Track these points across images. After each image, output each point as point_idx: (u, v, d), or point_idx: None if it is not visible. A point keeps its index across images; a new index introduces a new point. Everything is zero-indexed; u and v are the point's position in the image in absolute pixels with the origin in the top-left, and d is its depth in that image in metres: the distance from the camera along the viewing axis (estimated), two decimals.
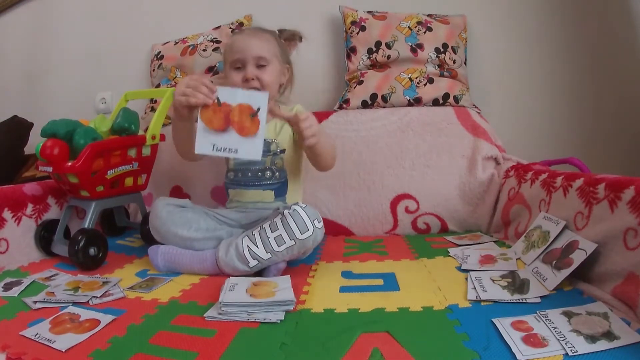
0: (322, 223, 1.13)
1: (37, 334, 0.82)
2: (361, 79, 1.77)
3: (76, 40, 2.27)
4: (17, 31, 2.42)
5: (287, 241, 1.09)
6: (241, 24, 1.89)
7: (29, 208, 1.37)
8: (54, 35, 2.32)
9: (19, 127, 2.13)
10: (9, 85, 2.45)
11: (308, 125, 1.20)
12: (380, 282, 1.06)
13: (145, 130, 1.47)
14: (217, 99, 1.11)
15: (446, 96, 1.71)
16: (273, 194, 1.40)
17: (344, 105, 1.76)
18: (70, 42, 2.28)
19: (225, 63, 1.43)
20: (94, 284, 1.09)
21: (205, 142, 1.11)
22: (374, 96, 1.73)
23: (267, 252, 1.10)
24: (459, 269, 1.11)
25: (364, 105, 1.75)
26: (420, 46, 1.75)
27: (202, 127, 1.11)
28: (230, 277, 1.05)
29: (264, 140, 1.23)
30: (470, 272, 1.06)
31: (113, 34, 2.20)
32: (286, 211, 1.11)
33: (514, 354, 0.68)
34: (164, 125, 1.52)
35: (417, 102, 1.71)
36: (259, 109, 1.11)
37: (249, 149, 1.12)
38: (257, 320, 0.85)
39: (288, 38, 1.48)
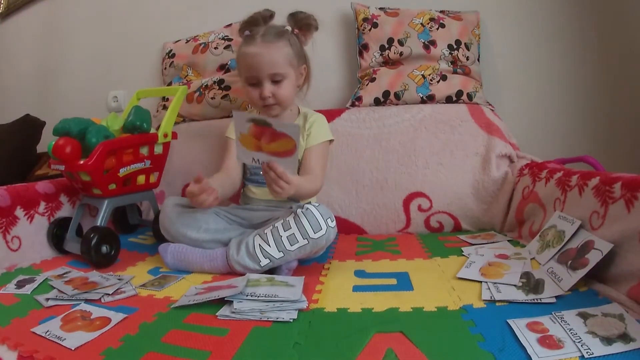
0: (335, 222, 1.12)
1: (47, 331, 0.82)
2: (373, 76, 1.76)
3: (88, 39, 2.29)
4: (29, 30, 2.44)
5: (300, 240, 1.09)
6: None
7: (42, 206, 1.37)
8: (65, 34, 2.33)
9: (32, 126, 2.15)
10: (21, 84, 2.48)
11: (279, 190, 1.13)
12: (393, 281, 1.05)
13: (157, 128, 1.47)
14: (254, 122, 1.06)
15: (459, 93, 1.69)
16: None
17: (357, 103, 1.75)
18: (81, 41, 2.30)
19: (239, 71, 1.42)
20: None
21: (245, 156, 1.09)
22: (386, 93, 1.72)
23: (279, 251, 1.10)
24: None
25: (377, 102, 1.74)
26: (433, 43, 1.73)
27: (239, 145, 1.09)
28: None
29: None
30: None
31: (124, 32, 2.21)
32: (299, 210, 1.11)
33: (529, 355, 0.67)
34: (176, 123, 1.52)
35: (430, 99, 1.70)
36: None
37: (285, 164, 1.09)
38: (269, 319, 0.84)
39: (302, 27, 1.41)
